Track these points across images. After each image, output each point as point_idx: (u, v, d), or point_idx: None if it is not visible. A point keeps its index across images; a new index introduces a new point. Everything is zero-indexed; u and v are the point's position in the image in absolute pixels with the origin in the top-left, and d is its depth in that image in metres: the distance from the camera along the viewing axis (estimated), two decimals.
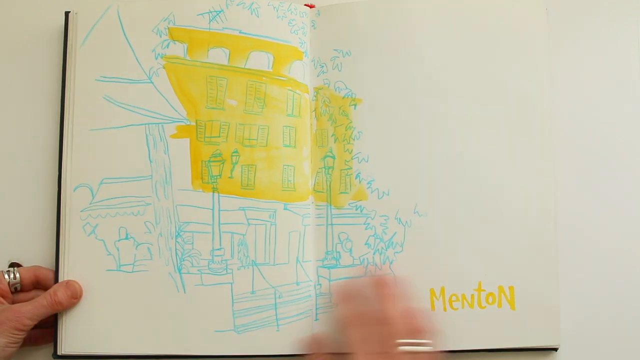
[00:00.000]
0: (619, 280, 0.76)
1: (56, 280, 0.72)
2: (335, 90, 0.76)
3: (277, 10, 0.76)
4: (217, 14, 0.75)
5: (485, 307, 0.73)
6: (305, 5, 0.77)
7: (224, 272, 0.73)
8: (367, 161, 0.75)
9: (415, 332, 0.61)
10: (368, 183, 0.74)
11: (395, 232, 0.74)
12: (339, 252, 0.74)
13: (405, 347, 0.59)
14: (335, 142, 0.75)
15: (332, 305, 0.72)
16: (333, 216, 0.74)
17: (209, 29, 0.75)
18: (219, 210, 0.73)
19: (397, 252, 0.73)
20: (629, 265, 0.76)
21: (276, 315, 0.72)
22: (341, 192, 0.75)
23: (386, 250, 0.73)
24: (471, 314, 0.73)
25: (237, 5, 0.75)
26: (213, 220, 0.73)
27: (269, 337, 0.72)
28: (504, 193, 0.74)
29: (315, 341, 0.71)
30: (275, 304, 0.73)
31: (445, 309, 0.73)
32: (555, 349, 0.74)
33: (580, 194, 0.77)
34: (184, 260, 0.73)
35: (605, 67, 0.79)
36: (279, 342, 0.72)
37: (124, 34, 0.75)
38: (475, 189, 0.74)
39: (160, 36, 0.75)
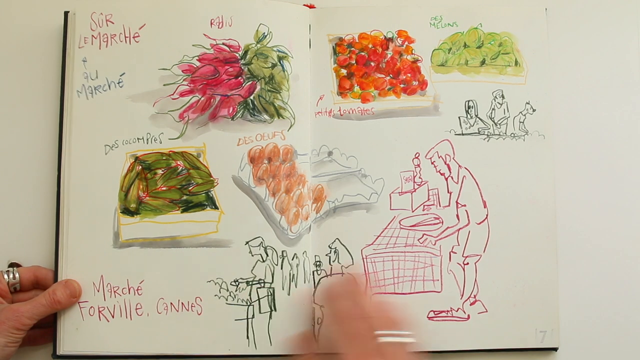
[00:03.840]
0: (618, 280, 0.76)
1: (55, 279, 0.72)
2: None
3: None
4: None
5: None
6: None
7: None
8: None
9: (393, 324, 0.61)
10: None
11: None
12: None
13: (386, 338, 0.59)
14: None
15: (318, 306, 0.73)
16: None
17: None
18: None
19: None
20: (629, 266, 0.76)
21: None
22: None
23: None
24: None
25: None
26: None
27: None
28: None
29: (304, 339, 0.71)
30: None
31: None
32: (555, 349, 0.73)
33: (580, 193, 0.77)
34: None
35: (604, 67, 0.79)
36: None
37: None
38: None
39: None
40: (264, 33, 0.75)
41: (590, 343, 0.75)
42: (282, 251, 0.73)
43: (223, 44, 0.75)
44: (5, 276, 0.71)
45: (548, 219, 0.74)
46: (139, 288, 0.72)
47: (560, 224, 0.75)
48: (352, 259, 0.74)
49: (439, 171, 0.75)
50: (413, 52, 0.77)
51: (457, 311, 0.74)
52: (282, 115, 0.74)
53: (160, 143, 0.74)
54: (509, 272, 0.74)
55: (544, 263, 0.74)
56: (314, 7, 0.77)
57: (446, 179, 0.75)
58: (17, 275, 0.71)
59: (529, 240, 0.74)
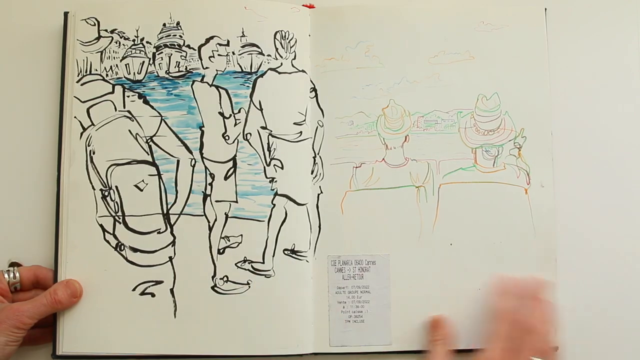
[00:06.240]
0: (618, 280, 0.76)
1: (55, 279, 0.72)
2: None
3: None
4: None
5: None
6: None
7: None
8: None
9: (547, 353, 0.66)
10: None
11: None
12: None
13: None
14: None
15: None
16: None
17: None
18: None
19: None
20: (629, 266, 0.76)
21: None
22: None
23: None
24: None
25: None
26: None
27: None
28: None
29: (438, 322, 0.72)
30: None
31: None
32: (555, 349, 0.73)
33: (580, 193, 0.77)
34: None
35: (604, 67, 0.79)
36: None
37: None
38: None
39: None
40: None
41: (590, 343, 0.75)
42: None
43: None
44: (6, 275, 0.71)
45: (548, 218, 0.74)
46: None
47: (560, 224, 0.75)
48: None
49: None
50: None
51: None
52: None
53: None
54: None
55: (543, 263, 0.74)
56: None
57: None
58: (17, 274, 0.71)
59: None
